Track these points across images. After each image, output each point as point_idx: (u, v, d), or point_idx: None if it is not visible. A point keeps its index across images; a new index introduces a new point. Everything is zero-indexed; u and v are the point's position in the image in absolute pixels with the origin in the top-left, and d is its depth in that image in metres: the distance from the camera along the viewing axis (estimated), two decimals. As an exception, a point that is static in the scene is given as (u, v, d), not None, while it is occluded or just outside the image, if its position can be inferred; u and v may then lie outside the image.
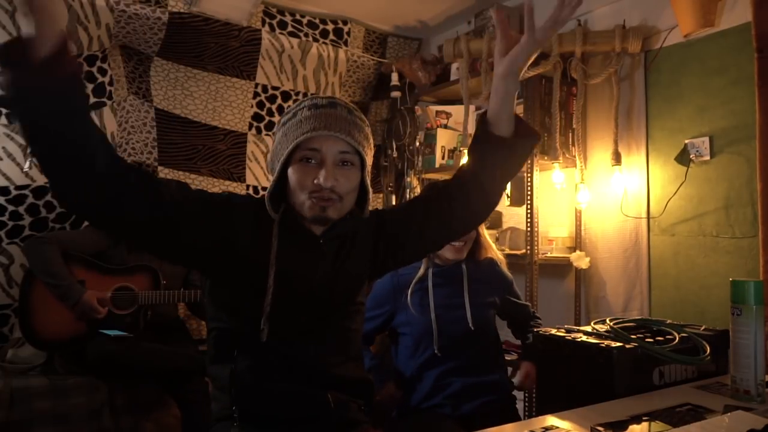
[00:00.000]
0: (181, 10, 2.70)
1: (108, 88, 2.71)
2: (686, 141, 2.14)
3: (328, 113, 1.11)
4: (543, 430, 0.88)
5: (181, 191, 1.08)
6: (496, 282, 1.85)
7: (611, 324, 1.20)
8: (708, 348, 1.12)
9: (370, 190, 1.20)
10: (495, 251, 1.88)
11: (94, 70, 2.65)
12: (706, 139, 2.08)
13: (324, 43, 3.19)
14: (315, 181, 1.09)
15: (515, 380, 1.81)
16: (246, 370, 1.12)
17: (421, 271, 1.77)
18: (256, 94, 3.12)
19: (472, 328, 1.69)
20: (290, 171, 1.11)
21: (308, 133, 1.08)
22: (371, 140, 1.19)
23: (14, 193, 2.47)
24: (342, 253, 1.20)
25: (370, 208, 1.21)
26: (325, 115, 1.11)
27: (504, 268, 1.90)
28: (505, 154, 1.17)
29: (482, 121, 1.18)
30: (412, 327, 1.73)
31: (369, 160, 1.18)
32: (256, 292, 1.10)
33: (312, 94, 1.17)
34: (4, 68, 0.85)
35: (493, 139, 1.15)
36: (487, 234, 1.87)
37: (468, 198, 1.22)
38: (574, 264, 2.42)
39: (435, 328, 1.69)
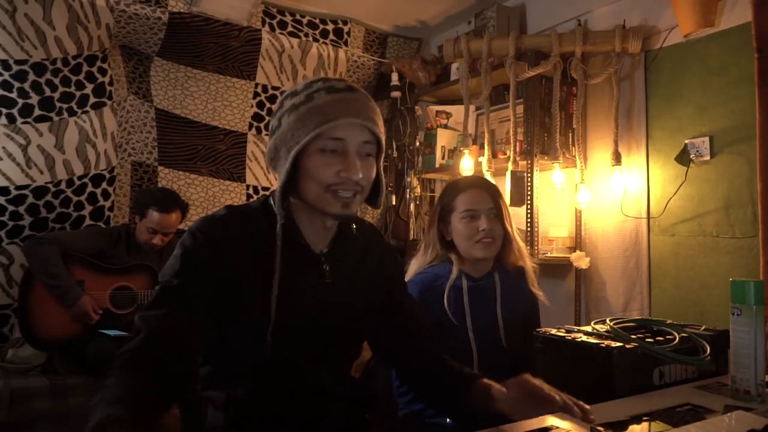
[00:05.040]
0: (181, 10, 2.70)
1: (108, 88, 2.71)
2: (686, 141, 2.14)
3: (350, 98, 1.00)
4: (543, 430, 0.88)
5: (197, 297, 0.97)
6: (525, 294, 1.68)
7: (611, 324, 1.20)
8: (708, 348, 1.12)
9: (384, 180, 1.10)
10: (527, 260, 1.68)
11: (94, 70, 2.65)
12: (706, 139, 2.08)
13: (324, 43, 3.19)
14: (342, 174, 0.98)
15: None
16: (245, 395, 1.05)
17: (454, 275, 1.60)
18: (256, 94, 3.12)
19: (505, 345, 1.58)
20: (306, 162, 0.99)
21: (333, 120, 0.97)
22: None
23: (14, 193, 2.46)
24: (350, 282, 1.13)
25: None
26: (346, 100, 0.99)
27: (534, 284, 1.68)
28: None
29: (461, 390, 1.08)
30: (447, 342, 1.49)
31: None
32: (258, 320, 1.02)
33: (322, 77, 1.08)
34: None
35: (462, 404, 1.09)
36: (521, 241, 1.68)
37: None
38: (574, 264, 2.42)
39: (474, 348, 1.55)
